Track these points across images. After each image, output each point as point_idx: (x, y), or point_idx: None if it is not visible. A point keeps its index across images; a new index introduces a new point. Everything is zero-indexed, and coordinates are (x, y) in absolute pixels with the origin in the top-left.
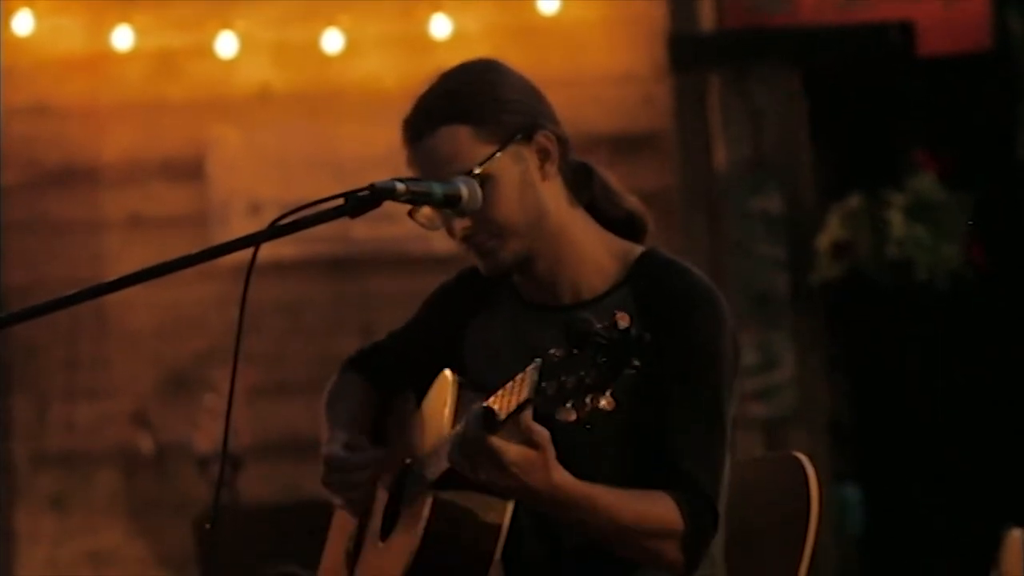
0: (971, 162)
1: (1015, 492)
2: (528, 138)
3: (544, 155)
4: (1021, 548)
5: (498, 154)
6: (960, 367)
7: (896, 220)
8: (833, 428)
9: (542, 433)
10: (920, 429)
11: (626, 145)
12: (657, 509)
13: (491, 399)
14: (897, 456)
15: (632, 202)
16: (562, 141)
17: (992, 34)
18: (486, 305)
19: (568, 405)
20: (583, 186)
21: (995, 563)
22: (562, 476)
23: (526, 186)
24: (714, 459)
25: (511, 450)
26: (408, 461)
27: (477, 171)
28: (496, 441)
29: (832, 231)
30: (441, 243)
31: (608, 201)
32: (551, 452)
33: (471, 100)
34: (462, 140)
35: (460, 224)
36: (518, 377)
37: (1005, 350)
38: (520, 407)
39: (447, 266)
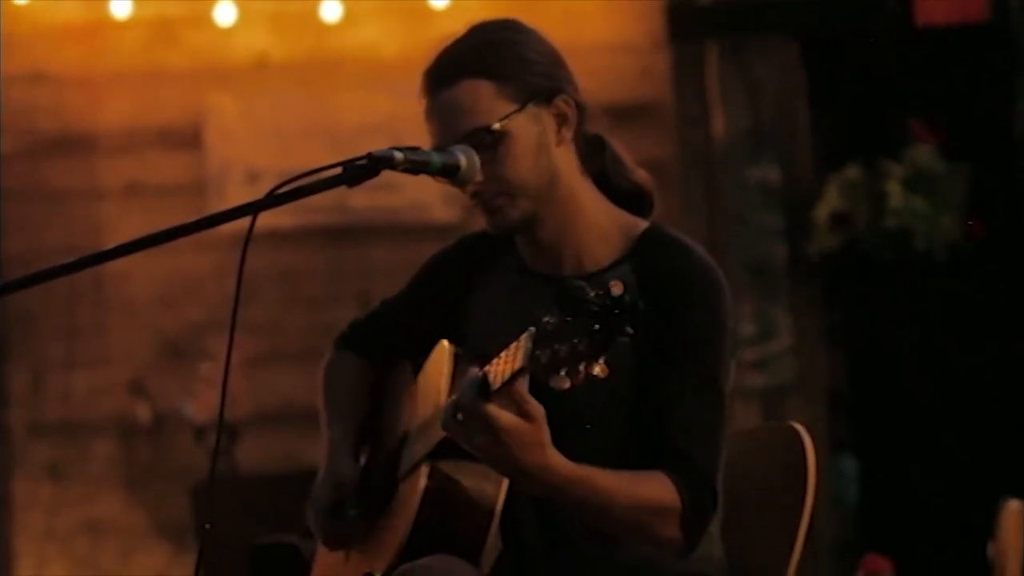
0: (969, 133)
1: (1012, 463)
2: (548, 101)
3: (562, 120)
4: (1018, 519)
5: (517, 113)
6: (958, 338)
7: (894, 191)
8: (830, 399)
9: (536, 407)
10: (917, 400)
11: (624, 115)
12: (653, 490)
13: (486, 367)
14: (894, 427)
15: (641, 176)
16: (581, 108)
17: (990, 5)
18: (486, 273)
19: (562, 373)
20: (594, 156)
21: (992, 534)
22: (556, 457)
23: (541, 148)
24: (712, 438)
25: (504, 417)
26: (405, 432)
27: (496, 127)
28: (490, 407)
29: (830, 202)
30: (439, 213)
31: (618, 173)
32: (545, 430)
33: (496, 56)
34: (483, 95)
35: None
36: (512, 345)
37: (1003, 321)
38: (514, 376)
39: (444, 236)
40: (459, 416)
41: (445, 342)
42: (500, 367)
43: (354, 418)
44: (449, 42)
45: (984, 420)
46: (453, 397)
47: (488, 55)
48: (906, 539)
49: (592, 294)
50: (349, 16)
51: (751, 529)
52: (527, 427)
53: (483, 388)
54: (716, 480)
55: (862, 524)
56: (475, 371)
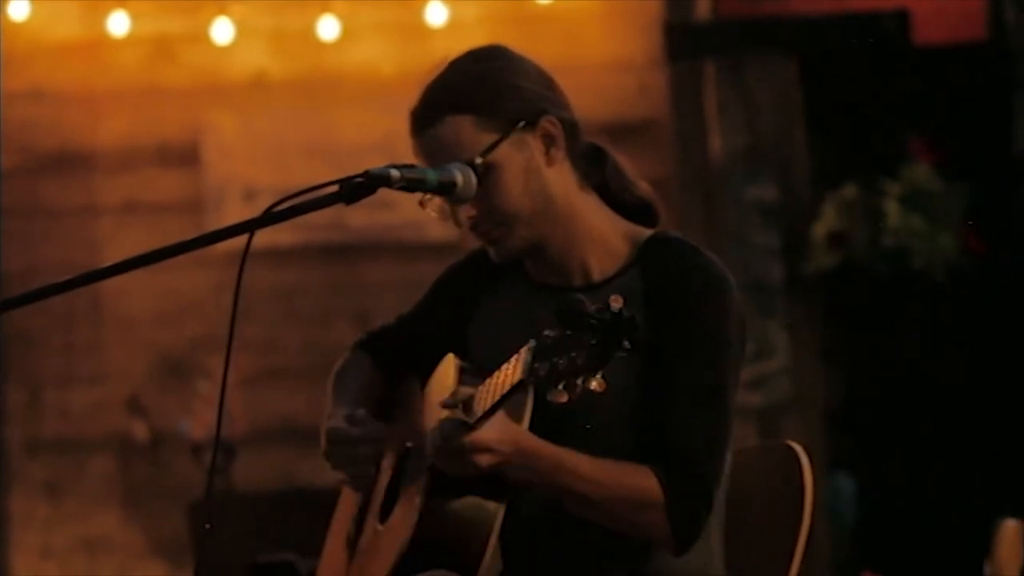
0: (967, 152)
1: (1010, 482)
2: (532, 125)
3: (549, 141)
4: (1015, 538)
5: (500, 143)
6: (955, 357)
7: (892, 210)
8: (827, 417)
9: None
10: (915, 419)
11: (622, 133)
12: (636, 478)
13: (482, 385)
14: (891, 445)
15: (644, 188)
16: (568, 125)
17: (987, 24)
18: (494, 286)
19: (559, 387)
20: (594, 169)
21: (989, 553)
22: (536, 442)
23: (530, 173)
24: (713, 439)
25: (484, 437)
26: (409, 444)
27: (479, 161)
28: (469, 439)
29: (828, 220)
30: (436, 231)
31: (619, 185)
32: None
33: (474, 89)
34: (465, 130)
35: (466, 213)
36: (513, 359)
37: (1001, 340)
38: (493, 408)
39: (442, 254)
40: (440, 454)
41: (452, 355)
42: (493, 383)
43: (359, 406)
44: (430, 79)
45: (982, 439)
46: (434, 431)
47: (465, 89)
48: (903, 558)
49: (591, 308)
50: (347, 34)
51: (749, 548)
52: (505, 435)
53: (461, 429)
54: (709, 478)
55: (859, 543)
56: (446, 415)
